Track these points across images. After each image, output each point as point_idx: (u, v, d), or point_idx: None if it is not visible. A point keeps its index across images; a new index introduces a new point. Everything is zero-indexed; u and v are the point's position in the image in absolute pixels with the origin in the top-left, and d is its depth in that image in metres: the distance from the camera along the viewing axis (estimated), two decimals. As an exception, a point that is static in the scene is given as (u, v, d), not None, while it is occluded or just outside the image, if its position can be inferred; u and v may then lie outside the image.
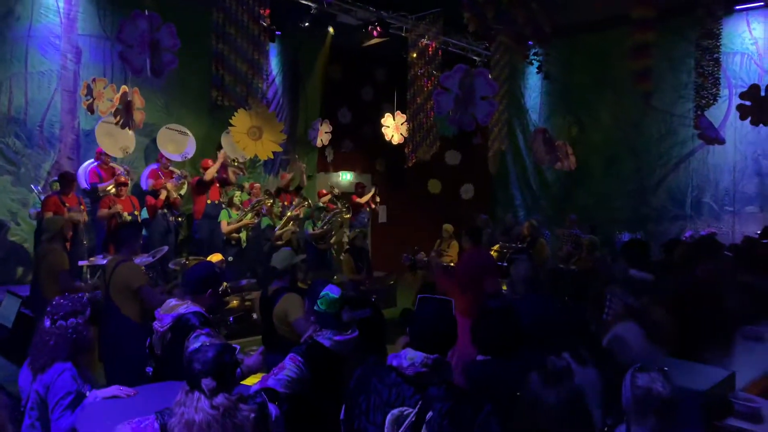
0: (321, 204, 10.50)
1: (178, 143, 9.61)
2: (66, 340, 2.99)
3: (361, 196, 11.43)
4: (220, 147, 9.93)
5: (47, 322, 3.02)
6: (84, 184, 8.39)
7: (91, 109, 7.97)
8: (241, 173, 9.87)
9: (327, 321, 2.91)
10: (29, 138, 8.38)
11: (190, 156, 9.76)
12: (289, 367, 2.73)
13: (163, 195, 8.41)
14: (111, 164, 8.50)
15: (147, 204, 8.46)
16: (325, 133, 11.86)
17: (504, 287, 6.22)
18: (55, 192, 7.65)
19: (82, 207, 7.77)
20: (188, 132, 9.74)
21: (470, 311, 5.24)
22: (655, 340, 3.55)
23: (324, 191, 10.99)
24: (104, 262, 6.06)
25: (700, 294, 4.30)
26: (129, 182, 8.42)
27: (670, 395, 2.28)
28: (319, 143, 11.92)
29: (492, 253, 8.36)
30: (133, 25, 7.63)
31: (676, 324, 3.81)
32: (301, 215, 9.75)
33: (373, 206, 11.70)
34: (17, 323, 4.81)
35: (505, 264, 7.69)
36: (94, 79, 8.02)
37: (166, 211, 8.55)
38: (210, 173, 8.94)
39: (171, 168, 9.15)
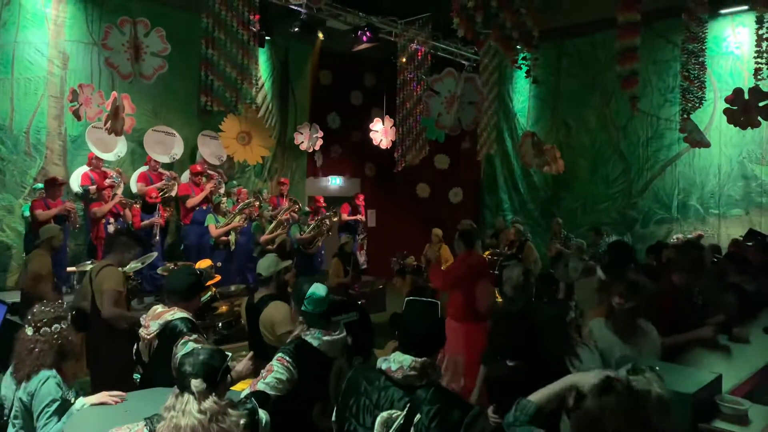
0: (307, 209, 10.53)
1: (165, 144, 9.61)
2: (51, 347, 2.96)
3: (355, 210, 11.53)
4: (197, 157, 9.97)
5: (29, 330, 2.99)
6: (76, 188, 8.37)
7: (77, 115, 7.93)
8: (220, 179, 9.78)
9: (315, 320, 2.91)
10: (15, 144, 8.32)
11: (178, 156, 9.76)
12: (277, 368, 2.72)
13: (145, 223, 8.41)
14: (103, 168, 8.49)
15: (133, 219, 8.40)
16: (315, 137, 11.88)
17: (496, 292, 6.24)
18: (41, 197, 7.62)
19: (68, 212, 7.74)
20: (175, 133, 9.72)
21: (462, 315, 5.26)
22: (624, 338, 3.59)
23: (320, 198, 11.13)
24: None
25: (673, 301, 4.33)
26: (122, 185, 8.44)
27: (667, 395, 2.28)
28: (309, 148, 11.94)
29: (482, 258, 8.36)
30: (117, 31, 7.63)
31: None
32: (291, 219, 9.73)
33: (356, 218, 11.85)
34: (3, 330, 4.75)
35: (496, 271, 7.71)
36: (80, 85, 7.99)
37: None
38: (192, 202, 8.96)
39: (160, 170, 9.14)
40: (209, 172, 9.64)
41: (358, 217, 11.74)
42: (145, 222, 8.37)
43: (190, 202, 8.96)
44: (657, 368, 2.36)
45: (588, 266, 6.43)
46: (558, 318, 3.42)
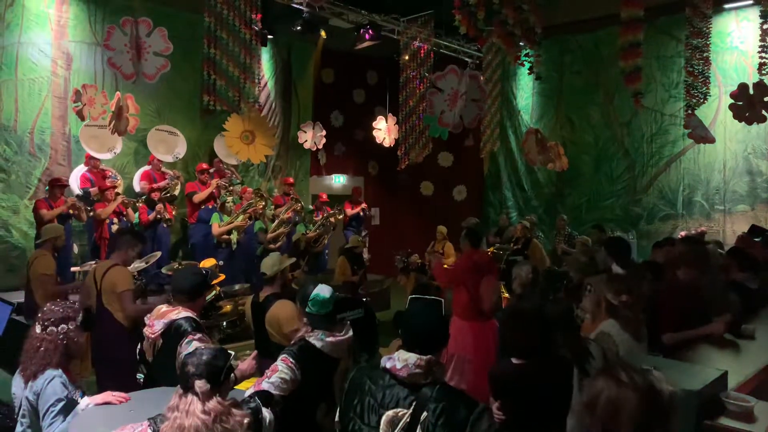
0: (311, 207, 10.52)
1: (168, 144, 9.63)
2: (57, 347, 2.96)
3: (356, 202, 11.45)
4: (211, 162, 9.93)
5: (38, 328, 3.00)
6: (77, 190, 8.38)
7: (81, 115, 7.94)
8: (234, 177, 9.83)
9: (318, 321, 2.90)
10: (19, 145, 8.34)
11: (181, 156, 9.79)
12: (281, 369, 2.72)
13: (152, 216, 8.43)
14: (101, 167, 8.49)
15: (140, 216, 8.40)
16: (318, 135, 11.89)
17: (502, 289, 6.22)
18: (44, 197, 7.64)
19: (71, 212, 7.75)
20: (178, 132, 9.75)
21: (469, 314, 5.25)
22: (635, 335, 3.57)
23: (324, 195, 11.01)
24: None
25: (679, 297, 4.31)
26: (121, 184, 8.43)
27: (678, 391, 2.27)
28: (313, 146, 11.94)
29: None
30: (120, 32, 7.64)
31: (652, 323, 3.82)
32: (293, 218, 9.73)
33: (361, 214, 11.72)
34: (9, 330, 4.77)
35: (503, 266, 7.70)
36: (84, 86, 7.99)
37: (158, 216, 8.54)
38: (198, 198, 8.97)
39: (163, 169, 9.15)
40: (224, 170, 9.69)
41: (363, 206, 11.56)
42: (150, 216, 8.39)
43: (196, 198, 8.98)
44: (655, 368, 2.35)
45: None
46: (568, 317, 3.41)
